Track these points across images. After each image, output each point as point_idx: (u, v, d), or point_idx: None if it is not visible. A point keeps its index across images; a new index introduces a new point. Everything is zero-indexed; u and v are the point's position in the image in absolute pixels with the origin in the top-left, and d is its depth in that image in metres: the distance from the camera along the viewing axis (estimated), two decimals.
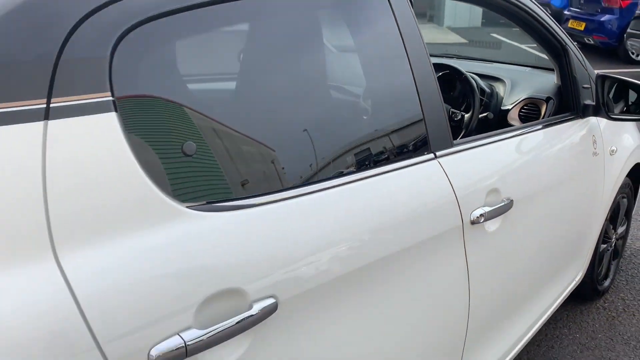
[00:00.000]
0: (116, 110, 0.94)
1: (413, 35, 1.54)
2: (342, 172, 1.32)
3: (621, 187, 2.87)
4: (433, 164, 1.54)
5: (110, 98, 0.94)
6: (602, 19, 9.95)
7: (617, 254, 3.19)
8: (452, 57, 3.04)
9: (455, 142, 1.64)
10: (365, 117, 1.49)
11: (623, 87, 2.45)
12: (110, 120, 0.93)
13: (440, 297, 1.54)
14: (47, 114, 0.87)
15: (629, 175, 2.97)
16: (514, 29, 12.25)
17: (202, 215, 1.03)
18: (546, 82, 2.62)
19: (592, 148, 2.40)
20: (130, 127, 0.96)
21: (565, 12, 11.10)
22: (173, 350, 0.93)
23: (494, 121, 2.58)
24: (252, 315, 1.04)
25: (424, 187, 1.47)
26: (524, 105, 2.54)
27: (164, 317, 0.93)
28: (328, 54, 1.44)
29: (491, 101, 2.59)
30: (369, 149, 1.42)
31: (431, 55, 1.59)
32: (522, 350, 2.64)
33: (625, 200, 3.05)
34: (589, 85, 2.39)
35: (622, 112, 2.46)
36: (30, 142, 0.85)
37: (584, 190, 2.37)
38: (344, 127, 1.40)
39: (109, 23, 0.95)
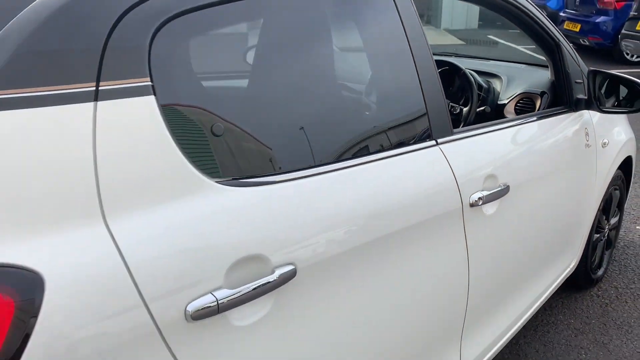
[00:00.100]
0: (154, 94, 1.06)
1: (416, 33, 1.66)
2: (354, 155, 1.43)
3: (613, 179, 2.99)
4: (435, 150, 1.65)
5: (150, 83, 1.05)
6: (597, 20, 10.10)
7: (610, 244, 3.31)
8: (451, 55, 3.16)
9: (454, 130, 1.76)
10: (374, 107, 1.61)
11: (614, 83, 2.57)
12: (150, 103, 1.05)
13: (443, 274, 1.66)
14: (96, 96, 0.99)
15: (621, 167, 3.09)
16: (510, 30, 12.40)
17: (228, 190, 1.15)
18: (540, 77, 2.74)
19: (585, 140, 2.53)
20: (166, 109, 1.08)
21: (561, 13, 11.26)
22: (206, 307, 1.04)
23: (491, 115, 2.70)
24: (274, 280, 1.15)
25: (427, 170, 1.59)
26: (519, 100, 2.67)
27: (198, 278, 1.05)
28: (340, 49, 1.56)
29: (488, 96, 2.72)
30: (377, 135, 1.55)
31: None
32: (518, 334, 2.76)
33: (617, 192, 3.17)
34: (581, 80, 2.51)
35: (613, 106, 2.58)
36: (83, 120, 0.97)
37: (576, 180, 2.49)
38: (356, 115, 1.52)
39: (147, 16, 1.07)
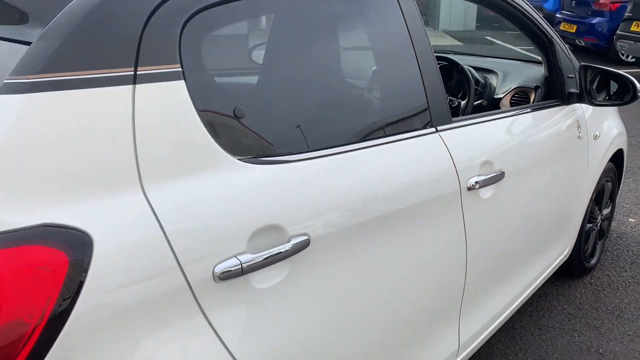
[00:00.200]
0: (184, 79, 1.18)
1: (418, 29, 1.78)
2: (362, 139, 1.56)
3: (605, 171, 3.12)
4: (435, 136, 1.78)
5: (180, 69, 1.18)
6: (593, 21, 10.25)
7: (602, 234, 3.44)
8: (449, 53, 3.29)
9: (453, 119, 1.89)
10: (380, 97, 1.74)
11: (605, 77, 2.70)
12: (180, 87, 1.17)
13: (443, 251, 1.78)
14: (134, 80, 1.11)
15: (613, 160, 3.22)
16: (507, 32, 12.54)
17: (249, 167, 1.27)
18: (535, 73, 2.87)
19: (577, 132, 2.65)
20: (194, 93, 1.20)
21: (557, 15, 11.40)
22: (231, 269, 1.17)
23: (487, 108, 2.82)
24: (290, 248, 1.27)
25: (428, 154, 1.72)
26: (514, 94, 2.80)
27: (225, 243, 1.17)
28: (350, 44, 1.69)
29: (485, 90, 2.85)
30: (383, 121, 1.67)
31: None
32: (514, 318, 2.89)
33: (609, 184, 3.30)
34: (573, 75, 2.64)
35: (604, 100, 2.71)
36: (123, 101, 1.09)
37: (569, 170, 2.62)
38: (363, 104, 1.65)
39: (178, 8, 1.19)
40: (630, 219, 4.08)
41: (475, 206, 1.89)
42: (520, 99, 2.78)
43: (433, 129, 1.79)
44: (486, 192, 1.95)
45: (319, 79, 1.53)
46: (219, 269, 1.16)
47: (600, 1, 10.20)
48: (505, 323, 2.80)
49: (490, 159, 1.96)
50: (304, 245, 1.31)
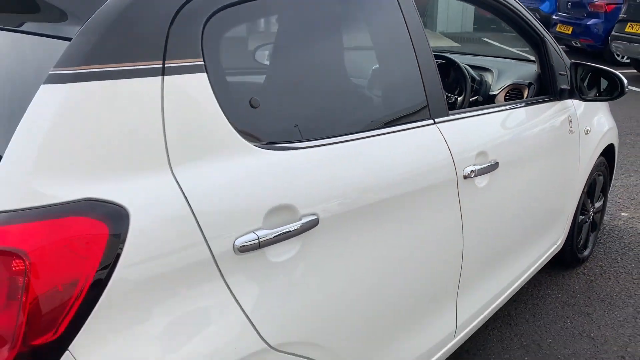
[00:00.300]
0: (206, 72, 1.31)
1: (417, 28, 1.91)
2: (365, 129, 1.68)
3: (597, 165, 3.25)
4: (433, 127, 1.91)
5: (202, 63, 1.30)
6: (589, 23, 10.39)
7: (595, 226, 3.56)
8: (447, 52, 3.43)
9: (450, 112, 2.01)
10: (383, 90, 1.87)
11: (596, 75, 2.83)
12: (203, 78, 1.30)
13: (441, 235, 1.91)
14: (163, 72, 1.23)
15: (604, 155, 3.35)
16: (504, 33, 12.69)
17: (264, 152, 1.39)
18: (528, 70, 3.00)
19: (568, 127, 2.78)
20: (215, 84, 1.32)
21: (553, 16, 11.55)
22: (250, 243, 1.29)
23: (482, 104, 2.95)
24: (301, 225, 1.40)
25: (426, 144, 1.85)
26: (509, 90, 2.93)
27: (244, 220, 1.30)
28: (354, 43, 1.82)
29: (480, 87, 2.98)
30: (385, 113, 1.80)
31: None
32: (510, 307, 3.01)
33: (601, 177, 3.43)
34: (564, 72, 2.77)
35: (594, 96, 2.84)
36: (154, 90, 1.21)
37: (560, 163, 2.75)
38: (367, 97, 1.79)
39: (200, 8, 1.32)
40: (622, 213, 4.21)
41: (471, 193, 2.02)
42: (514, 95, 2.91)
43: (431, 121, 1.91)
44: (481, 181, 2.08)
45: (327, 74, 1.66)
46: (239, 242, 1.28)
47: (596, 3, 10.34)
48: (501, 310, 2.94)
49: (485, 149, 2.09)
50: (313, 224, 1.43)
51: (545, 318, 2.94)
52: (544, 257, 2.87)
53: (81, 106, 1.13)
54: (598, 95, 2.85)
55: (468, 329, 2.26)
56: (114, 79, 1.17)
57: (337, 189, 1.52)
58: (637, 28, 8.62)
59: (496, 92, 2.98)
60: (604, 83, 2.85)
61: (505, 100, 2.92)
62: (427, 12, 14.61)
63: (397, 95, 1.87)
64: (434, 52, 2.05)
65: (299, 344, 1.43)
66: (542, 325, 2.88)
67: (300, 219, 1.41)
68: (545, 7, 12.79)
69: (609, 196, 4.43)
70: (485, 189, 2.10)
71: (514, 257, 2.51)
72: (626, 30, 8.79)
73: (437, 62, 2.04)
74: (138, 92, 1.19)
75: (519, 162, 2.33)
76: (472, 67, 3.11)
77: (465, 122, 2.07)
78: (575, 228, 3.20)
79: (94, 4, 1.22)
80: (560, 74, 2.74)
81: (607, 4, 10.13)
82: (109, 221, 1.11)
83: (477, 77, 3.00)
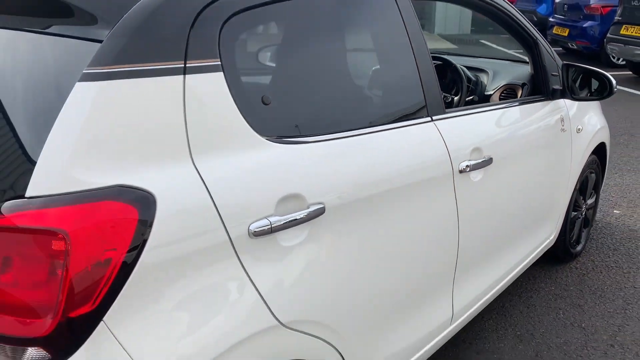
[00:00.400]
0: (223, 71, 1.43)
1: (415, 31, 2.03)
2: (367, 125, 1.80)
3: (589, 163, 3.37)
4: (430, 124, 2.03)
5: (219, 62, 1.42)
6: (585, 25, 10.52)
7: (588, 223, 3.69)
8: (444, 54, 3.55)
9: (446, 110, 2.14)
10: (384, 89, 2.00)
11: (587, 75, 2.96)
12: (220, 77, 1.42)
13: (439, 225, 2.03)
14: (184, 71, 1.35)
15: (596, 153, 3.48)
16: (501, 35, 12.83)
17: (274, 145, 1.51)
18: (522, 71, 3.13)
19: (560, 125, 2.91)
20: (230, 82, 1.44)
21: (550, 19, 11.69)
22: (263, 227, 1.41)
23: (478, 103, 3.07)
24: (308, 213, 1.52)
25: (424, 139, 1.97)
26: (503, 90, 3.05)
27: (258, 207, 1.42)
28: (357, 45, 1.94)
29: (476, 87, 3.10)
30: (387, 111, 1.93)
31: None
32: (504, 299, 3.14)
33: (593, 175, 3.55)
34: (557, 73, 2.90)
35: (585, 96, 2.97)
36: (176, 88, 1.33)
37: (553, 160, 2.88)
38: (369, 96, 1.91)
39: (217, 12, 1.44)
40: (615, 210, 4.34)
41: (466, 187, 2.14)
42: (509, 95, 3.03)
43: (429, 118, 2.03)
44: (476, 175, 2.20)
45: (332, 74, 1.78)
46: (253, 227, 1.40)
47: (592, 5, 10.48)
48: (496, 302, 3.06)
49: (480, 146, 2.21)
50: (320, 212, 1.55)
51: (538, 309, 3.06)
52: (537, 251, 2.99)
53: (112, 102, 1.25)
54: (589, 95, 2.98)
55: (464, 317, 2.38)
56: (141, 77, 1.29)
57: (342, 181, 1.64)
58: (632, 30, 8.75)
59: (491, 92, 3.10)
60: (594, 84, 2.98)
61: (500, 99, 3.05)
62: (425, 14, 14.74)
63: (396, 94, 1.99)
64: (431, 53, 2.17)
65: (307, 322, 1.55)
66: (535, 316, 3.00)
67: (308, 207, 1.53)
68: (542, 9, 12.93)
69: (602, 194, 4.56)
70: (480, 183, 2.23)
71: (508, 249, 2.63)
72: (621, 32, 8.92)
73: (434, 63, 2.17)
74: (162, 89, 1.31)
75: (512, 158, 2.45)
76: (468, 68, 3.24)
77: (461, 119, 2.20)
78: (567, 224, 3.32)
79: (121, 10, 1.34)
80: (552, 75, 2.86)
81: (602, 7, 10.27)
82: (139, 205, 1.22)
83: (473, 78, 3.13)
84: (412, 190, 1.88)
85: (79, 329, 1.17)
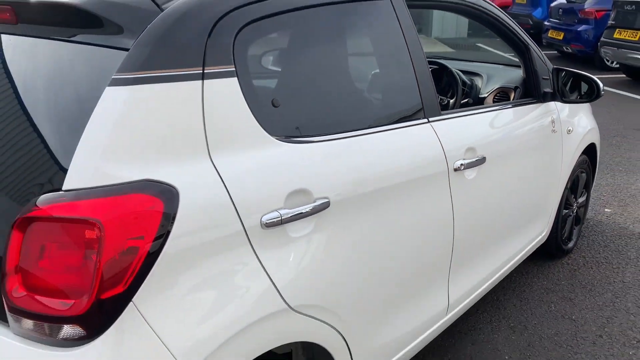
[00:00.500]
0: (237, 76, 1.56)
1: (413, 37, 2.17)
2: (368, 126, 1.94)
3: (579, 163, 3.51)
4: (427, 125, 2.17)
5: (234, 69, 1.56)
6: (579, 29, 10.68)
7: (579, 220, 3.83)
8: (440, 58, 3.69)
9: (442, 112, 2.28)
10: (383, 93, 2.13)
11: (576, 79, 3.10)
12: (234, 82, 1.55)
13: (435, 220, 2.16)
14: (203, 76, 1.49)
15: (586, 153, 3.62)
16: (497, 39, 12.99)
17: (284, 144, 1.65)
18: (514, 75, 3.28)
19: (551, 126, 3.05)
20: (244, 87, 1.57)
21: (546, 23, 11.85)
22: (274, 219, 1.55)
23: (472, 106, 3.21)
24: (314, 207, 1.65)
25: (422, 140, 2.11)
26: (496, 93, 3.19)
27: (269, 200, 1.55)
28: (357, 51, 2.08)
29: (471, 90, 3.25)
30: (386, 112, 2.07)
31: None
32: (499, 292, 3.27)
33: (584, 174, 3.70)
34: (547, 77, 3.04)
35: (575, 99, 3.12)
36: (195, 92, 1.47)
37: (544, 159, 3.01)
38: (369, 99, 2.05)
39: (231, 23, 1.57)
40: (606, 209, 4.48)
41: (461, 184, 2.28)
42: (502, 97, 3.17)
43: (425, 120, 2.17)
44: (470, 173, 2.33)
45: (336, 78, 1.92)
46: (265, 218, 1.54)
47: (586, 10, 10.64)
48: (490, 296, 3.20)
49: (474, 145, 2.35)
50: (325, 206, 1.69)
51: (531, 303, 3.20)
52: (530, 246, 3.13)
53: (138, 104, 1.38)
54: (578, 98, 3.12)
55: (459, 308, 2.51)
56: (164, 82, 1.42)
57: (345, 177, 1.77)
58: (625, 34, 8.92)
59: (485, 95, 3.24)
60: (584, 87, 3.12)
61: (494, 102, 3.19)
62: (422, 18, 14.90)
63: (395, 97, 2.13)
64: (428, 58, 2.31)
65: (313, 307, 1.68)
66: (528, 309, 3.14)
67: (314, 202, 1.66)
68: (537, 13, 13.09)
69: (594, 193, 4.71)
70: (474, 181, 2.36)
71: (501, 244, 2.77)
72: (614, 36, 9.09)
73: (431, 67, 2.31)
74: (183, 93, 1.45)
75: (505, 157, 2.59)
76: (463, 72, 3.38)
77: (456, 121, 2.33)
78: (559, 221, 3.46)
79: (144, 21, 1.47)
80: (543, 79, 3.01)
81: (597, 11, 10.43)
82: (164, 197, 1.36)
83: (468, 81, 3.27)
84: (410, 187, 2.02)
85: (110, 308, 1.30)
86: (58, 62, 1.54)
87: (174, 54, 1.45)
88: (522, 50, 2.95)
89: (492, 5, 2.70)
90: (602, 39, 9.47)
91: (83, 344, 1.31)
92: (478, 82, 3.35)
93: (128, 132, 1.36)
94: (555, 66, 3.09)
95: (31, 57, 1.59)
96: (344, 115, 1.89)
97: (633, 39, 8.72)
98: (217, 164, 1.48)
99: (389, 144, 1.97)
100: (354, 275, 1.83)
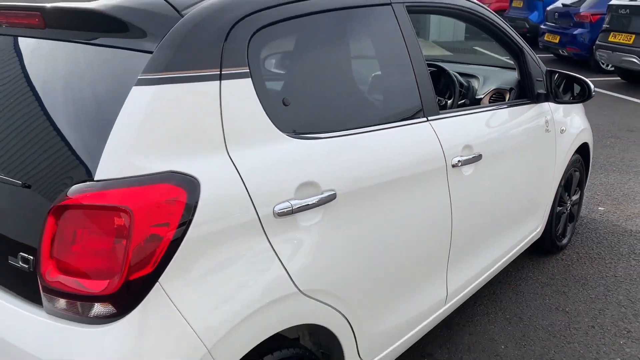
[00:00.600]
0: (251, 77, 1.69)
1: (412, 41, 2.30)
2: (371, 124, 2.06)
3: (573, 162, 3.65)
4: (426, 124, 2.29)
5: (247, 70, 1.68)
6: (575, 32, 10.83)
7: (572, 218, 3.96)
8: (438, 61, 3.83)
9: (440, 112, 2.40)
10: (385, 93, 2.26)
11: (569, 81, 3.24)
12: (248, 83, 1.68)
13: (434, 214, 2.29)
14: (220, 77, 1.61)
15: (579, 153, 3.75)
16: (493, 42, 13.16)
17: (294, 140, 1.77)
18: (509, 77, 3.41)
19: (545, 126, 3.18)
20: (257, 87, 1.70)
21: (542, 26, 11.99)
22: (285, 209, 1.67)
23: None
24: (322, 198, 1.78)
25: (421, 137, 2.24)
26: (492, 94, 3.33)
27: (281, 192, 1.68)
28: (361, 55, 2.21)
29: (468, 91, 3.38)
30: (388, 111, 2.20)
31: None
32: (495, 286, 3.40)
33: (577, 173, 3.83)
34: (541, 79, 3.17)
35: (568, 99, 3.25)
36: (214, 91, 1.59)
37: (538, 157, 3.15)
38: (371, 99, 2.18)
39: (245, 28, 1.70)
40: (599, 207, 4.61)
41: (458, 180, 2.41)
42: (497, 98, 3.31)
43: (425, 119, 2.30)
44: (467, 170, 2.46)
45: (341, 80, 2.06)
46: (277, 208, 1.66)
47: (581, 13, 10.78)
48: (487, 290, 3.33)
49: (470, 143, 2.48)
50: (332, 198, 1.81)
51: (526, 296, 3.33)
52: (525, 241, 3.26)
53: (163, 102, 1.51)
54: (571, 99, 3.26)
55: (457, 298, 2.64)
56: (186, 82, 1.55)
57: (350, 171, 1.90)
58: (619, 38, 9.06)
59: (481, 96, 3.38)
60: (576, 88, 3.26)
61: (489, 103, 3.32)
62: (420, 22, 15.05)
63: (396, 97, 2.26)
64: (427, 61, 2.44)
65: (321, 291, 1.81)
66: (523, 302, 3.27)
67: (322, 193, 1.79)
68: (534, 17, 13.24)
69: (588, 192, 4.84)
70: (471, 177, 2.49)
71: (497, 238, 2.89)
72: (609, 39, 9.23)
73: (429, 69, 2.43)
74: (203, 92, 1.58)
75: (500, 155, 2.72)
76: (460, 74, 3.52)
77: (454, 120, 2.46)
78: (553, 217, 3.59)
79: (166, 26, 1.60)
80: (537, 80, 3.14)
81: (592, 15, 10.58)
82: (187, 187, 1.48)
83: (465, 83, 3.41)
84: (411, 181, 2.14)
85: (139, 288, 1.43)
86: (84, 63, 1.66)
87: (194, 57, 1.58)
88: (516, 53, 3.08)
89: (488, 10, 2.83)
90: (597, 42, 9.61)
91: (112, 321, 1.44)
92: (474, 83, 3.48)
93: (153, 127, 1.49)
94: (548, 68, 3.22)
95: (59, 60, 1.72)
96: (348, 114, 2.02)
97: (627, 42, 8.87)
98: (233, 158, 1.61)
99: (391, 141, 2.10)
100: (358, 264, 1.95)
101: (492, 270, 2.93)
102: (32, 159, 1.60)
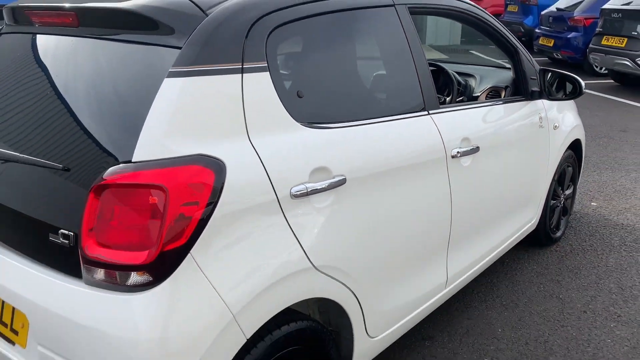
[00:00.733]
0: (269, 71, 1.85)
1: (414, 41, 2.47)
2: (377, 116, 2.23)
3: (566, 157, 3.82)
4: (427, 117, 2.46)
5: (266, 64, 1.85)
6: (569, 36, 11.03)
7: (566, 211, 4.13)
8: (438, 61, 4.00)
9: (441, 106, 2.57)
10: (390, 88, 2.43)
11: (562, 79, 3.41)
12: (266, 76, 1.84)
13: (435, 201, 2.45)
14: (242, 70, 1.78)
15: (573, 150, 3.93)
16: (489, 46, 13.38)
17: (307, 129, 1.93)
18: (505, 75, 3.58)
19: (539, 122, 3.35)
20: (274, 80, 1.86)
21: (536, 30, 12.20)
22: (301, 191, 1.83)
23: None
24: (333, 182, 1.94)
25: (423, 129, 2.40)
26: (489, 92, 3.49)
27: (297, 176, 1.84)
28: (368, 53, 2.38)
29: (465, 89, 3.55)
30: (393, 105, 2.36)
31: None
32: (492, 275, 3.56)
33: (570, 168, 4.00)
34: (535, 77, 3.34)
35: (560, 97, 3.43)
36: (236, 84, 1.75)
37: (532, 152, 3.31)
38: (377, 93, 2.34)
39: (265, 25, 1.86)
40: (592, 203, 4.78)
41: (457, 170, 2.57)
42: (494, 96, 3.48)
43: (426, 112, 2.47)
44: (466, 161, 2.63)
45: (350, 75, 2.23)
46: (294, 190, 1.82)
47: (575, 17, 10.99)
48: (484, 279, 3.49)
49: (469, 136, 2.64)
50: (342, 182, 1.98)
51: (521, 284, 3.49)
52: (521, 231, 3.42)
53: (191, 92, 1.67)
54: (563, 96, 3.43)
55: (456, 283, 2.80)
56: (211, 75, 1.71)
57: (358, 158, 2.06)
58: (612, 41, 9.27)
59: (478, 94, 3.55)
60: (569, 87, 3.43)
61: (486, 100, 3.49)
62: (417, 26, 15.25)
63: (400, 92, 2.43)
64: (427, 60, 2.60)
65: (332, 268, 1.97)
66: (519, 289, 3.43)
67: (333, 178, 1.95)
68: (528, 20, 13.45)
69: (582, 188, 5.02)
70: (469, 168, 2.66)
71: (494, 227, 3.06)
72: (602, 43, 9.43)
73: (429, 68, 2.60)
74: (227, 84, 1.74)
75: (496, 148, 2.89)
76: (458, 73, 3.69)
77: (453, 114, 2.63)
78: (547, 210, 3.76)
79: (192, 24, 1.76)
80: (531, 78, 3.31)
81: (585, 19, 10.79)
82: (214, 169, 1.64)
83: (463, 82, 3.58)
84: (413, 170, 2.31)
85: (173, 258, 1.58)
86: (117, 58, 1.83)
87: (218, 52, 1.74)
88: (511, 52, 3.25)
89: (485, 12, 3.01)
90: (590, 45, 9.82)
91: (148, 288, 1.59)
92: (472, 82, 3.65)
93: (183, 115, 1.65)
94: (541, 67, 3.39)
95: (94, 55, 1.88)
96: (356, 106, 2.18)
97: (620, 45, 9.08)
98: (254, 144, 1.77)
99: (395, 132, 2.26)
100: (366, 244, 2.12)
101: (489, 257, 3.09)
102: (74, 145, 1.75)
